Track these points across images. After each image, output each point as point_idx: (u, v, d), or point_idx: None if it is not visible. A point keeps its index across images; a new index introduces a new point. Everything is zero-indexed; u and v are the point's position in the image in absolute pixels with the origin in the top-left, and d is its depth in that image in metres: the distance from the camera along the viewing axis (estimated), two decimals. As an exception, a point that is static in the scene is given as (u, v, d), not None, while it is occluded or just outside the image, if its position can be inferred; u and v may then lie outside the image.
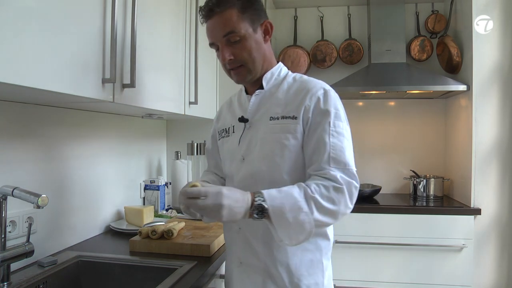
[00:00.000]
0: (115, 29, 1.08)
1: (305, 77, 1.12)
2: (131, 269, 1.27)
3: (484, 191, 2.29)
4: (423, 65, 2.72)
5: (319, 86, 1.05)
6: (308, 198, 0.91)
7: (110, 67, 1.08)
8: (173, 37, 1.57)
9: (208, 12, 1.04)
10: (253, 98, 1.11)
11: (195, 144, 2.10)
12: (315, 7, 2.88)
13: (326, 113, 1.00)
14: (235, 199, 0.88)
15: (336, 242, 2.30)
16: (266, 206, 0.89)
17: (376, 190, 2.61)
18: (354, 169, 0.98)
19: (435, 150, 2.80)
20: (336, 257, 2.30)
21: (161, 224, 1.53)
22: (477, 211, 2.24)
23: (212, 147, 1.28)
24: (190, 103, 1.72)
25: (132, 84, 1.19)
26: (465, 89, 2.32)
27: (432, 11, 2.73)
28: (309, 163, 1.00)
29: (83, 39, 0.99)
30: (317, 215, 0.91)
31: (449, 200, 2.53)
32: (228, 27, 1.02)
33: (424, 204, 2.44)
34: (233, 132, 1.15)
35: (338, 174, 0.95)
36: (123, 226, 1.69)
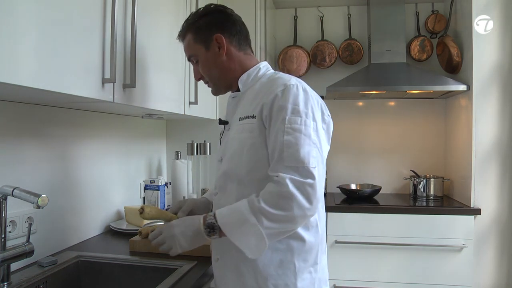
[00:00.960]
0: (115, 29, 1.09)
1: (279, 74, 1.11)
2: (131, 269, 1.27)
3: (484, 191, 2.29)
4: (423, 65, 2.72)
5: (282, 82, 1.03)
6: (255, 209, 0.93)
7: (110, 67, 1.08)
8: (173, 37, 1.56)
9: (179, 40, 1.19)
10: (230, 101, 1.18)
11: (195, 144, 2.10)
12: (315, 7, 2.88)
13: (282, 109, 0.98)
14: (185, 225, 1.01)
15: (336, 242, 2.30)
16: (216, 224, 0.96)
17: (376, 190, 2.61)
18: (310, 166, 0.94)
19: (435, 150, 2.80)
20: (336, 257, 2.33)
21: (161, 224, 1.53)
22: (477, 211, 2.24)
23: None
24: (190, 103, 1.72)
25: (132, 84, 1.19)
26: (465, 89, 2.32)
27: (432, 11, 2.73)
28: (270, 161, 0.99)
29: (83, 39, 0.99)
30: (268, 223, 0.92)
31: (449, 200, 2.53)
32: (188, 51, 1.17)
33: (424, 204, 2.44)
34: (221, 134, 1.22)
35: (288, 176, 0.92)
36: (123, 226, 1.69)
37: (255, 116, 1.03)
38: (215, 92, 1.21)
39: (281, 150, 0.95)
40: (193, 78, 1.73)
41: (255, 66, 1.15)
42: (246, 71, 1.14)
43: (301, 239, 1.05)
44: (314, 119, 1.00)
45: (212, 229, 0.96)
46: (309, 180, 0.92)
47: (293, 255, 1.04)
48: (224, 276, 1.09)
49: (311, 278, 1.07)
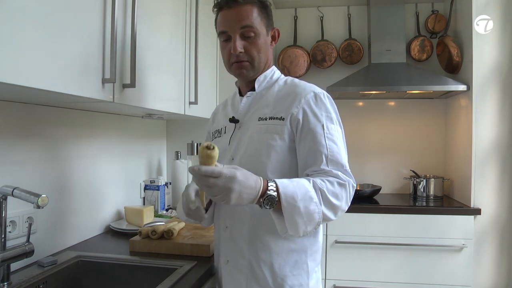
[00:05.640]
0: (115, 29, 1.08)
1: (297, 80, 1.15)
2: (131, 269, 1.27)
3: (484, 191, 2.29)
4: (423, 65, 2.72)
5: (309, 89, 1.07)
6: (316, 189, 0.92)
7: (110, 67, 1.08)
8: (173, 37, 1.57)
9: (230, 1, 1.06)
10: (245, 99, 1.15)
11: (195, 144, 2.10)
12: (315, 7, 2.88)
13: (318, 116, 1.03)
14: (246, 185, 0.86)
15: (336, 242, 2.30)
16: (277, 193, 0.88)
17: (376, 190, 2.61)
18: (349, 170, 1.01)
19: (435, 150, 2.80)
20: (336, 257, 2.33)
21: (161, 224, 1.53)
22: (477, 211, 2.24)
23: None
24: (190, 103, 1.72)
25: (132, 84, 1.19)
26: (465, 89, 2.32)
27: (432, 11, 2.73)
28: (304, 165, 1.02)
29: (83, 39, 0.99)
30: (323, 207, 0.92)
31: (449, 200, 2.53)
32: (248, 20, 1.05)
33: (424, 204, 2.44)
34: (225, 132, 1.17)
35: (339, 173, 0.98)
36: (123, 226, 1.69)
37: (284, 119, 1.04)
38: (245, 73, 1.10)
39: (325, 154, 0.99)
40: (193, 78, 1.74)
41: (271, 69, 1.17)
42: (263, 72, 1.15)
43: (315, 240, 1.09)
44: (341, 126, 1.07)
45: (270, 202, 0.88)
46: (352, 181, 0.99)
47: (306, 255, 1.07)
48: (235, 279, 1.09)
49: (316, 277, 1.11)
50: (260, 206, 0.89)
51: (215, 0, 1.10)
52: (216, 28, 1.12)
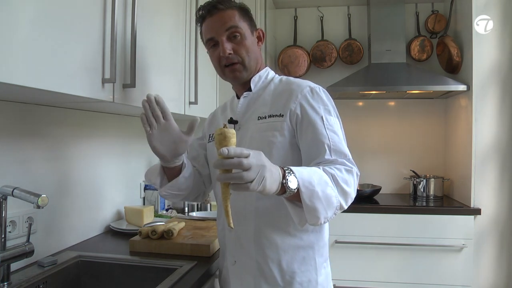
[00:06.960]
0: (115, 29, 1.08)
1: (292, 78, 1.17)
2: (131, 269, 1.27)
3: (483, 191, 2.29)
4: (423, 65, 2.72)
5: (305, 84, 1.09)
6: (328, 174, 0.91)
7: (110, 67, 1.07)
8: (173, 37, 1.56)
9: (211, 9, 1.09)
10: (242, 100, 1.16)
11: (195, 144, 2.10)
12: (315, 7, 2.88)
13: (316, 109, 1.03)
14: (270, 162, 0.82)
15: (336, 242, 2.30)
16: (296, 178, 0.83)
17: (376, 190, 2.61)
18: (352, 159, 1.01)
19: (435, 150, 2.80)
20: (336, 257, 2.32)
21: (161, 224, 1.53)
22: (477, 211, 2.24)
23: (196, 142, 1.33)
24: (190, 103, 1.72)
25: (132, 84, 1.19)
26: (465, 89, 2.32)
27: (432, 11, 2.73)
28: (308, 158, 1.02)
29: (83, 39, 0.99)
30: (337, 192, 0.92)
31: (449, 200, 2.53)
32: (231, 22, 1.08)
33: (424, 204, 2.44)
34: None
35: (344, 161, 0.98)
36: (123, 226, 1.69)
37: (283, 115, 1.05)
38: (238, 75, 1.11)
39: (327, 144, 0.99)
40: (193, 78, 1.74)
41: (265, 69, 1.19)
42: (258, 72, 1.17)
43: (322, 235, 1.09)
44: (339, 119, 1.08)
45: (292, 183, 0.83)
46: (356, 169, 0.99)
47: (314, 251, 1.07)
48: (243, 279, 1.09)
49: (326, 273, 1.11)
50: (285, 189, 0.83)
51: (196, 14, 1.13)
52: (202, 39, 1.15)
